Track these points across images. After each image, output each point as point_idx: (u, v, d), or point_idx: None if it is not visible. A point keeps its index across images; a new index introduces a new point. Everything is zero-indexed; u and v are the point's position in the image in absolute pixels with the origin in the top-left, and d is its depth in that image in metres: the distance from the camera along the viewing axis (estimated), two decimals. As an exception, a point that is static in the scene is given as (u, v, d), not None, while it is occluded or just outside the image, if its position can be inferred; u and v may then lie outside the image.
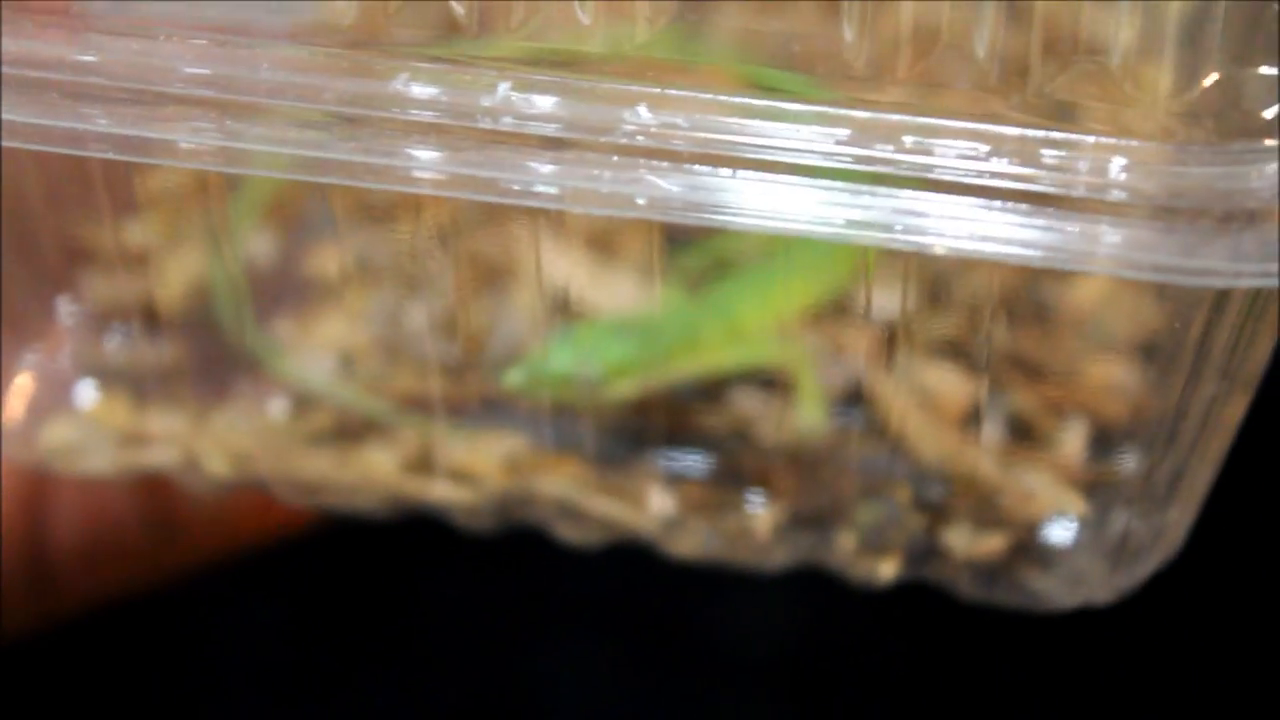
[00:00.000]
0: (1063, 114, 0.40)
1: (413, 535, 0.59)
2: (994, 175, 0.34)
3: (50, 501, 0.48)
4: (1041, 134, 0.34)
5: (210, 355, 0.44)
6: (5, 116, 0.35)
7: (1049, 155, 0.33)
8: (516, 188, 0.35)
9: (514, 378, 0.40)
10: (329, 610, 0.75)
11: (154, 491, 0.48)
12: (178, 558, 0.50)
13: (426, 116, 0.35)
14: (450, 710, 0.73)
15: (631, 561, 0.46)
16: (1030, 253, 0.34)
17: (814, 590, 0.48)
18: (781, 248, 0.44)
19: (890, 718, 0.73)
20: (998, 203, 0.33)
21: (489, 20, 0.38)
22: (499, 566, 0.67)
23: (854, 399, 0.43)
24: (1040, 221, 0.33)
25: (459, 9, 0.38)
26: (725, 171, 0.34)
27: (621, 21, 0.43)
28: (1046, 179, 0.33)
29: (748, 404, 0.43)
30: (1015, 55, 0.42)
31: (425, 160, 0.35)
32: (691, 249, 0.45)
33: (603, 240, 0.45)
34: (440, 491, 0.42)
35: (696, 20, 0.43)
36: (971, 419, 0.42)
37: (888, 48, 0.45)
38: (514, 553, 0.56)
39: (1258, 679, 0.69)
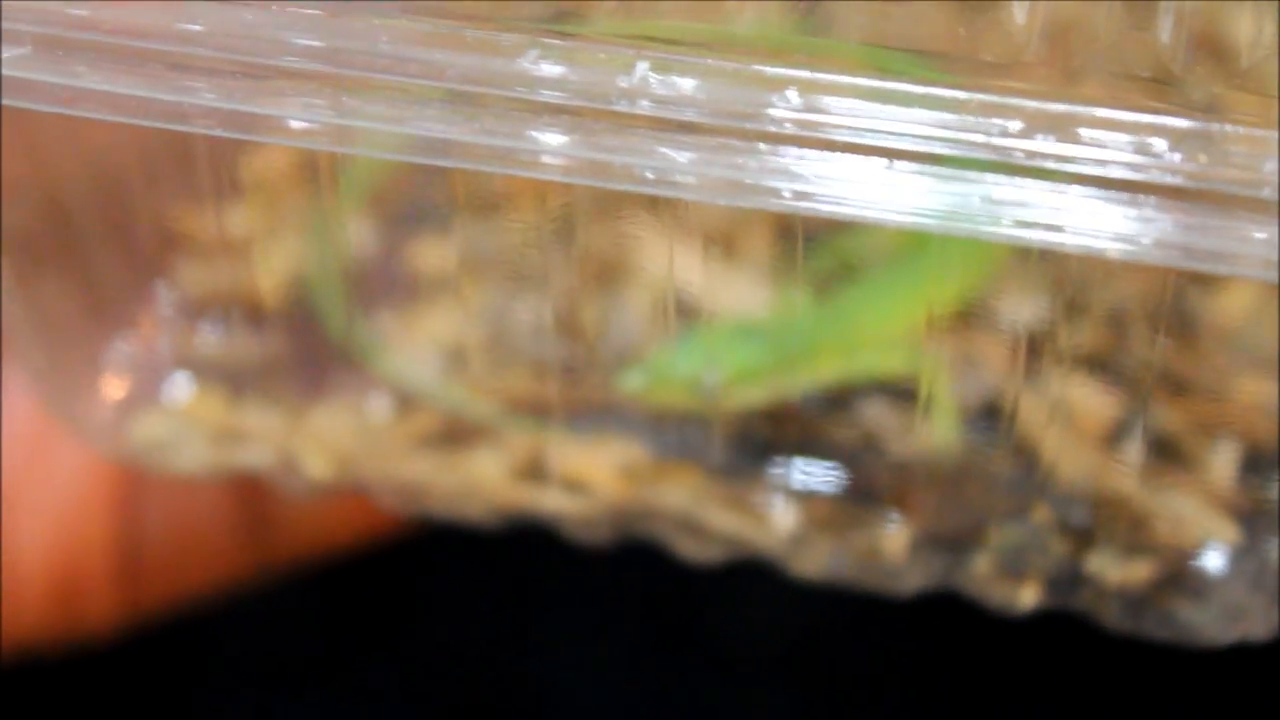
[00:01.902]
0: (1209, 108, 0.38)
1: (414, 530, 0.58)
2: (1143, 168, 0.31)
3: (142, 501, 0.47)
4: (1195, 125, 0.31)
5: (310, 350, 0.43)
6: (104, 89, 0.33)
7: (1200, 148, 0.31)
8: (651, 175, 0.32)
9: (632, 380, 0.38)
10: (329, 604, 0.74)
11: (247, 493, 0.47)
12: (268, 560, 0.49)
13: (555, 97, 0.32)
14: (452, 707, 0.72)
15: (636, 558, 0.45)
16: (1176, 253, 0.31)
17: (818, 588, 0.46)
18: (914, 250, 0.42)
19: (897, 715, 0.72)
20: (1146, 198, 0.31)
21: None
22: (502, 563, 0.66)
23: (991, 413, 0.41)
24: (1190, 219, 0.31)
25: None
26: (879, 162, 0.32)
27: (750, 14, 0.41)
28: (1197, 173, 0.31)
29: (878, 416, 0.41)
30: (1151, 51, 0.40)
31: (553, 144, 0.33)
32: (819, 250, 0.43)
33: (727, 238, 0.43)
34: (552, 501, 0.40)
35: (822, 18, 0.41)
36: (1115, 437, 0.40)
37: (1019, 41, 0.43)
38: (517, 549, 0.55)
39: None
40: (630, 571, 0.59)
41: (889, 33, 0.42)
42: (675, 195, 0.33)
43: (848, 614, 0.65)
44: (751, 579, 0.46)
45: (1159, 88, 0.39)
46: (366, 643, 0.73)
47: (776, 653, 0.72)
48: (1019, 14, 0.39)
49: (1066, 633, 0.47)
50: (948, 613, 0.44)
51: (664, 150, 0.32)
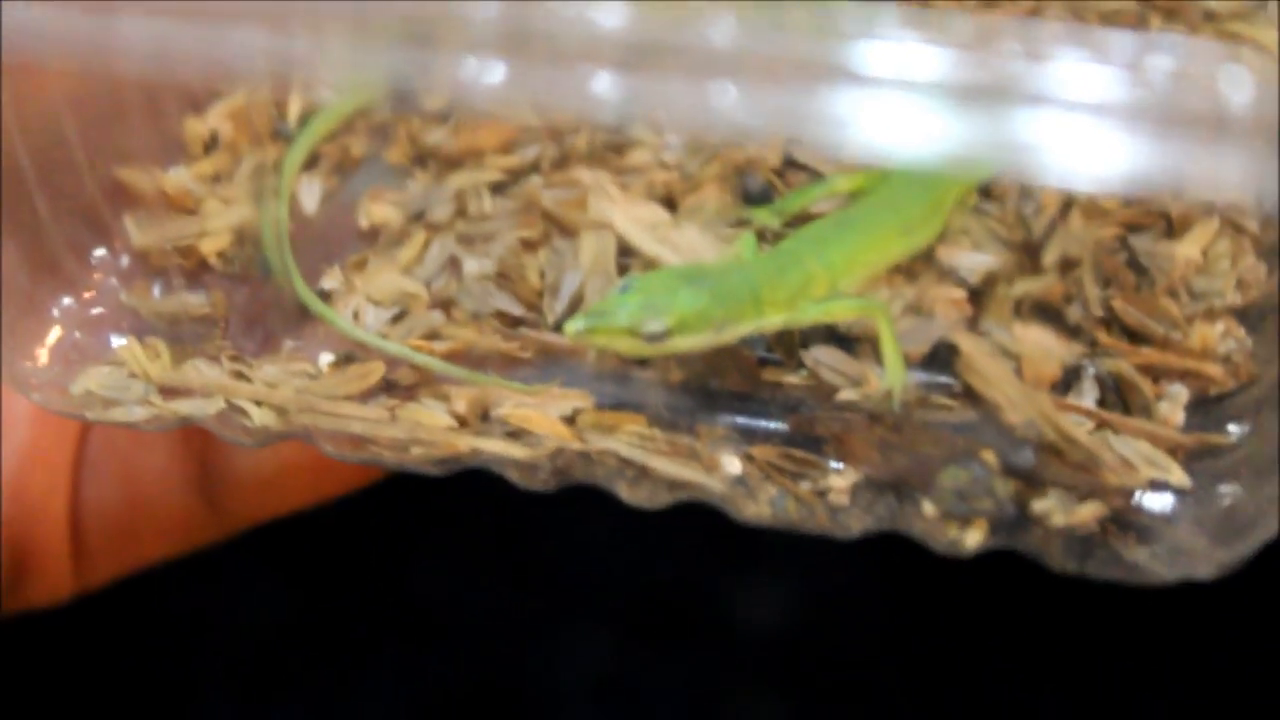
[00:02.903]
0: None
1: (415, 523, 0.58)
2: (1104, 90, 0.31)
3: (90, 467, 0.46)
4: (1156, 38, 0.31)
5: (255, 305, 0.42)
6: (46, 29, 0.33)
7: (1161, 66, 0.30)
8: (579, 104, 0.32)
9: (574, 327, 0.38)
10: (329, 595, 0.73)
11: (197, 456, 0.46)
12: (219, 525, 0.48)
13: (490, 33, 0.32)
14: (451, 696, 0.71)
15: (634, 547, 0.44)
16: (1140, 180, 0.31)
17: (818, 579, 0.46)
18: (863, 199, 0.42)
19: (891, 705, 0.71)
20: (1105, 120, 0.31)
21: None
22: (501, 552, 0.66)
23: (938, 360, 0.40)
24: (1155, 145, 0.31)
25: None
26: (816, 87, 0.31)
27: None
28: (1160, 96, 0.31)
29: (825, 363, 0.41)
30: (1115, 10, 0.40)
31: (490, 79, 0.32)
32: (766, 204, 0.43)
33: (672, 192, 0.43)
34: (496, 448, 0.39)
35: None
36: (1064, 383, 0.40)
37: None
38: (517, 537, 0.54)
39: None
40: (630, 560, 0.59)
41: None
42: (606, 122, 0.33)
43: (850, 603, 0.66)
44: (754, 570, 0.45)
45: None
46: (367, 628, 0.72)
47: (777, 641, 0.71)
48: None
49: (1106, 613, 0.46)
50: (947, 601, 0.44)
51: (590, 80, 0.32)
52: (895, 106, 0.31)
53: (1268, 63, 0.31)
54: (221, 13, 0.33)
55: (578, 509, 0.42)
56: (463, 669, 0.71)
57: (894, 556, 0.40)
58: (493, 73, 0.33)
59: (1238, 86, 0.30)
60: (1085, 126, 0.31)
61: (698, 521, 0.41)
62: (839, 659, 0.71)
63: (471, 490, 0.42)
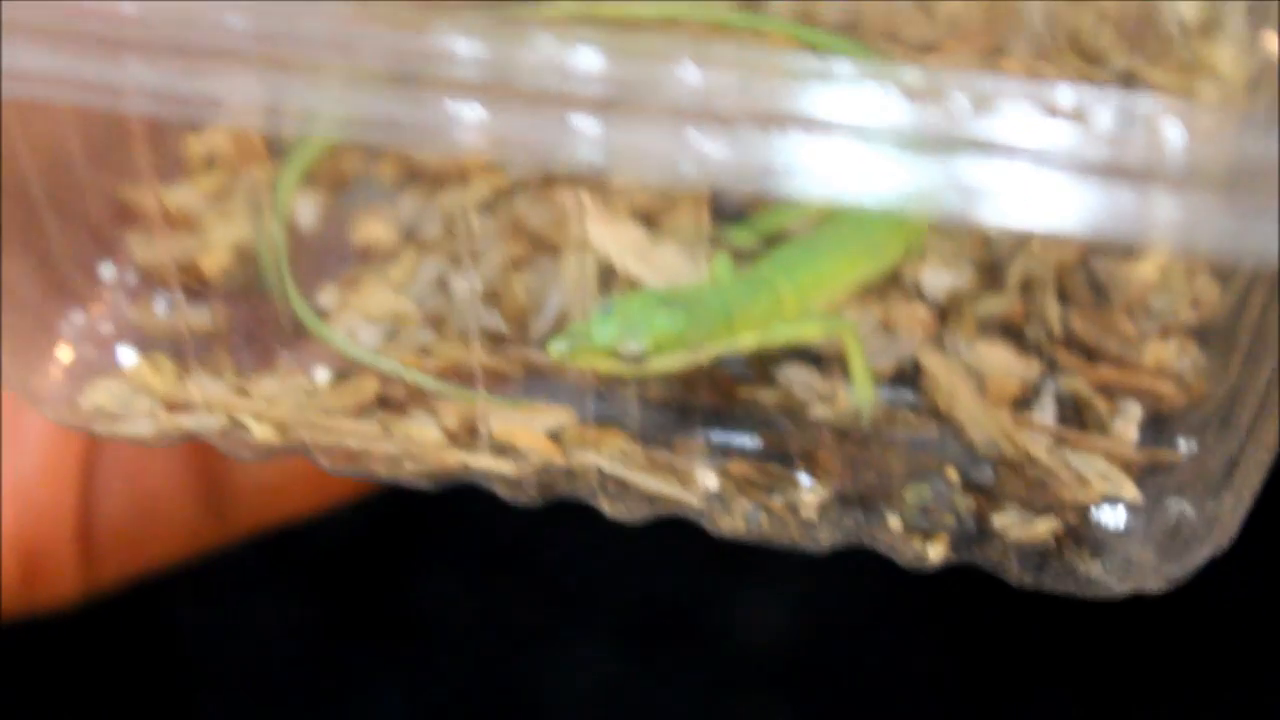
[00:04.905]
0: (1122, 81, 0.39)
1: (416, 533, 0.59)
2: (1048, 140, 0.33)
3: (102, 473, 0.48)
4: (1100, 93, 0.33)
5: (255, 321, 0.44)
6: (38, 67, 0.35)
7: (1106, 119, 0.32)
8: (560, 151, 0.34)
9: (557, 347, 0.40)
10: (330, 605, 0.74)
11: (203, 464, 0.48)
12: (224, 530, 0.50)
13: (473, 75, 0.34)
14: (452, 705, 0.72)
15: (635, 557, 0.45)
16: (1085, 225, 0.33)
17: (819, 587, 0.47)
18: (832, 222, 0.44)
19: (893, 715, 0.73)
20: (1054, 170, 0.32)
21: None
22: (502, 562, 0.67)
23: (904, 378, 0.42)
24: (1097, 193, 0.32)
25: None
26: (777, 134, 0.33)
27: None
28: (1103, 146, 0.32)
29: (796, 381, 0.42)
30: (1073, 27, 0.42)
31: (468, 120, 0.34)
32: (741, 223, 0.45)
33: (651, 212, 0.44)
34: (484, 463, 0.41)
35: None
36: (1023, 400, 0.42)
37: (945, 23, 0.45)
38: (518, 547, 0.55)
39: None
40: (631, 570, 0.60)
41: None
42: (582, 169, 0.34)
43: (849, 614, 0.66)
44: (753, 579, 0.46)
45: (1076, 64, 0.41)
46: (370, 638, 0.73)
47: (776, 652, 0.72)
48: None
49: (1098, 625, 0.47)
50: (937, 608, 0.45)
51: (572, 124, 0.34)
52: (851, 152, 0.33)
53: (1202, 113, 0.33)
54: (215, 53, 0.35)
55: (578, 519, 0.44)
56: (463, 678, 0.72)
57: (893, 566, 0.42)
58: (473, 114, 0.34)
59: (1173, 137, 0.32)
60: (1030, 173, 0.33)
61: (698, 532, 0.42)
62: (839, 670, 0.72)
63: (472, 500, 0.44)
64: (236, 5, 0.34)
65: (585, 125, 0.34)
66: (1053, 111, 0.32)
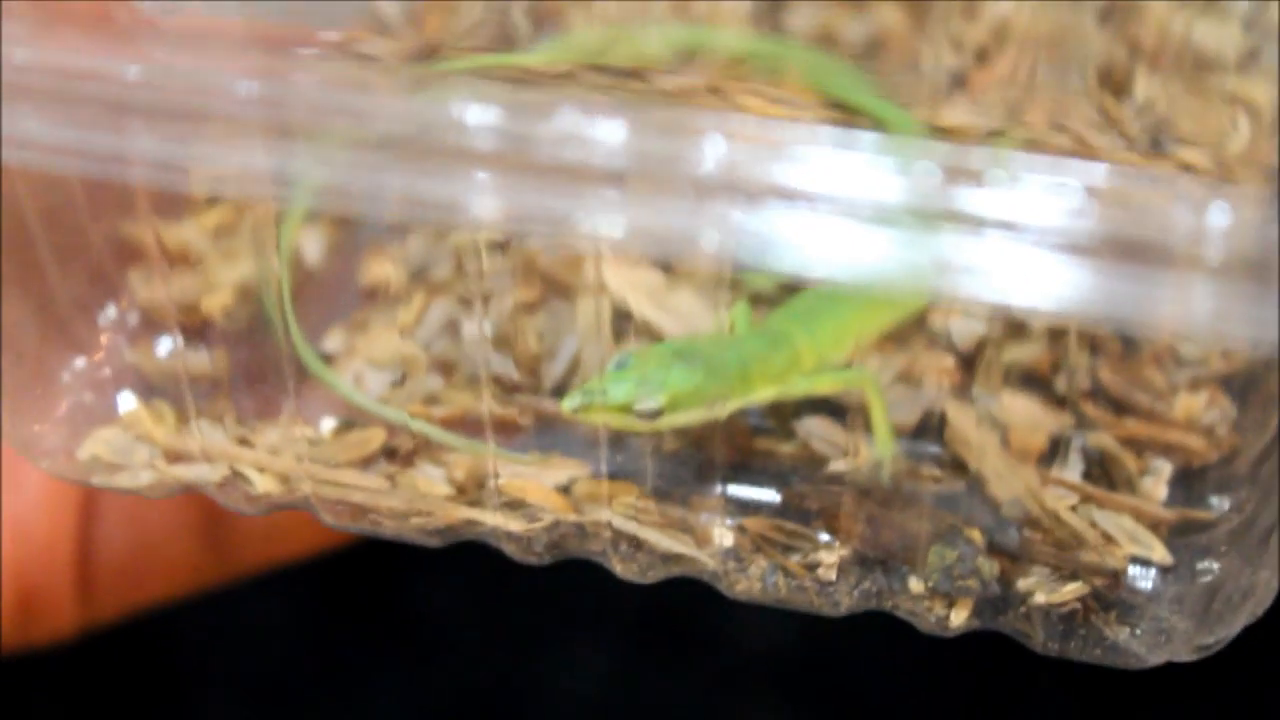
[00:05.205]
0: (1156, 142, 0.38)
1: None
2: (1077, 224, 0.31)
3: (102, 509, 0.47)
4: (1133, 177, 0.31)
5: (258, 365, 0.43)
6: (42, 132, 0.34)
7: (1140, 206, 0.31)
8: (578, 225, 0.33)
9: (571, 404, 0.39)
10: (333, 610, 0.74)
11: (204, 502, 0.47)
12: (224, 570, 0.49)
13: (485, 144, 0.33)
14: (455, 710, 0.72)
15: None
16: (1115, 315, 0.31)
17: None
18: None
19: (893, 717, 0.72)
20: (1082, 257, 0.31)
21: (546, 23, 0.36)
22: (503, 567, 0.66)
23: (927, 430, 0.41)
24: (1129, 280, 0.31)
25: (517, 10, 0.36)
26: (802, 211, 0.32)
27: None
28: (1136, 232, 0.31)
29: (815, 434, 0.41)
30: (1105, 59, 0.41)
31: (481, 189, 0.33)
32: (760, 273, 0.43)
33: (667, 265, 0.43)
34: (492, 519, 0.40)
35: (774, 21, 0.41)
36: (1050, 456, 0.41)
37: (970, 54, 0.44)
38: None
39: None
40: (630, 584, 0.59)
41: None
42: (600, 240, 0.33)
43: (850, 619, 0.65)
44: None
45: (1109, 110, 0.40)
46: (368, 642, 0.73)
47: (777, 655, 0.72)
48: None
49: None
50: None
51: (590, 198, 0.32)
52: (850, 228, 0.32)
53: (1217, 190, 0.31)
54: (221, 119, 0.34)
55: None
56: (464, 678, 0.71)
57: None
58: (486, 188, 0.33)
59: (1183, 219, 0.31)
60: (1027, 252, 0.31)
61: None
62: (839, 672, 0.71)
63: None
64: (244, 70, 0.33)
65: (605, 199, 0.32)
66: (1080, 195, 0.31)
